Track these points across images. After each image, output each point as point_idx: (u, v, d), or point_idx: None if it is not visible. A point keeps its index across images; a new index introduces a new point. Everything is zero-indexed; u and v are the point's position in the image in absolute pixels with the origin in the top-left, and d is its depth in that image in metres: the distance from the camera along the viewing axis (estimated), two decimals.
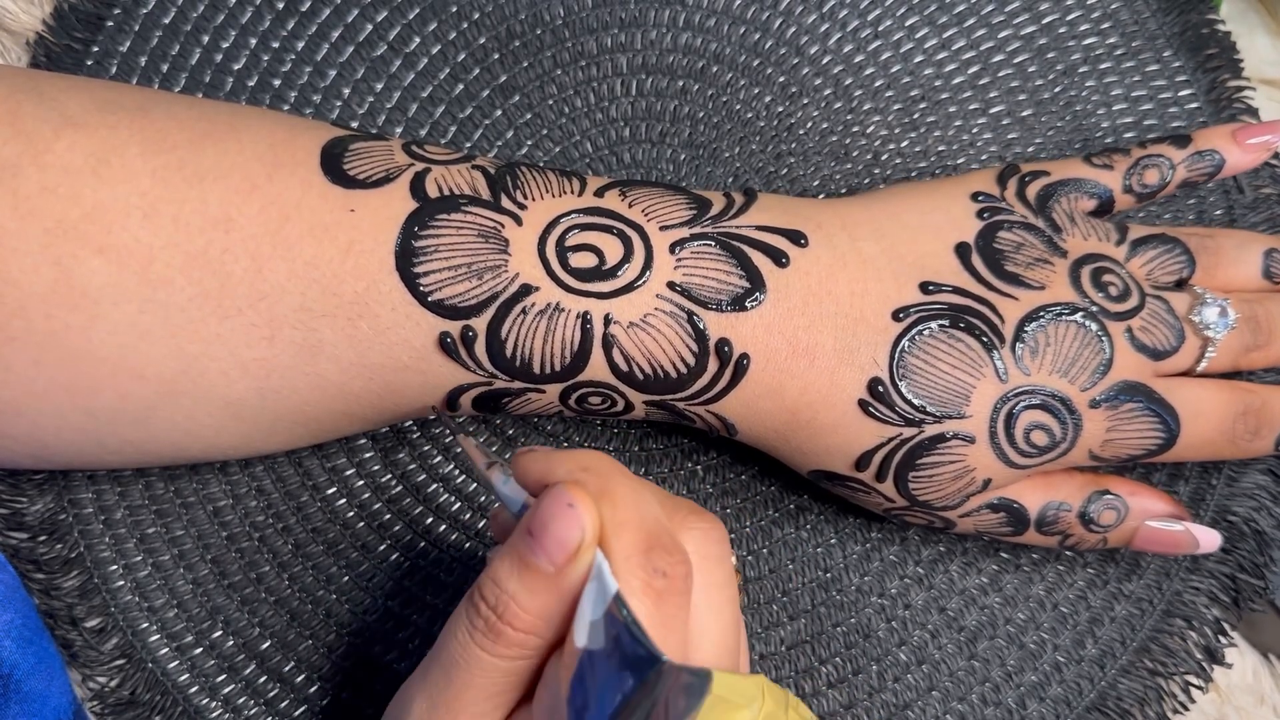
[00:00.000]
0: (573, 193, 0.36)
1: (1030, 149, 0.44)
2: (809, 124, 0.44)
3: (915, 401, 0.36)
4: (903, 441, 0.36)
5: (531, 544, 0.27)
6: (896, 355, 0.36)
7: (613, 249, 0.35)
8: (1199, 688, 0.42)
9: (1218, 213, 0.44)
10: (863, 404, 0.36)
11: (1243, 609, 0.42)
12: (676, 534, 0.29)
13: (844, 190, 0.44)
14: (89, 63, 0.42)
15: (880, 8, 0.45)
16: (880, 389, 0.35)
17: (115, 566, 0.40)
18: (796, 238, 0.36)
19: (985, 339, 0.36)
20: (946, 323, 0.36)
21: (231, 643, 0.40)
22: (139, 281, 0.32)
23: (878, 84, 0.45)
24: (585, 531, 0.27)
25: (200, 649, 0.40)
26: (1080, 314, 0.37)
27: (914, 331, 0.36)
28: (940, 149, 0.44)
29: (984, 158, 0.44)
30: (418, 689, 0.30)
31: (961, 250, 0.37)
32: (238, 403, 0.34)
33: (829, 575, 0.42)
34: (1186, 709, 0.42)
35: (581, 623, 0.26)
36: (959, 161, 0.44)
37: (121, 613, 0.40)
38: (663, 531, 0.28)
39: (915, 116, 0.44)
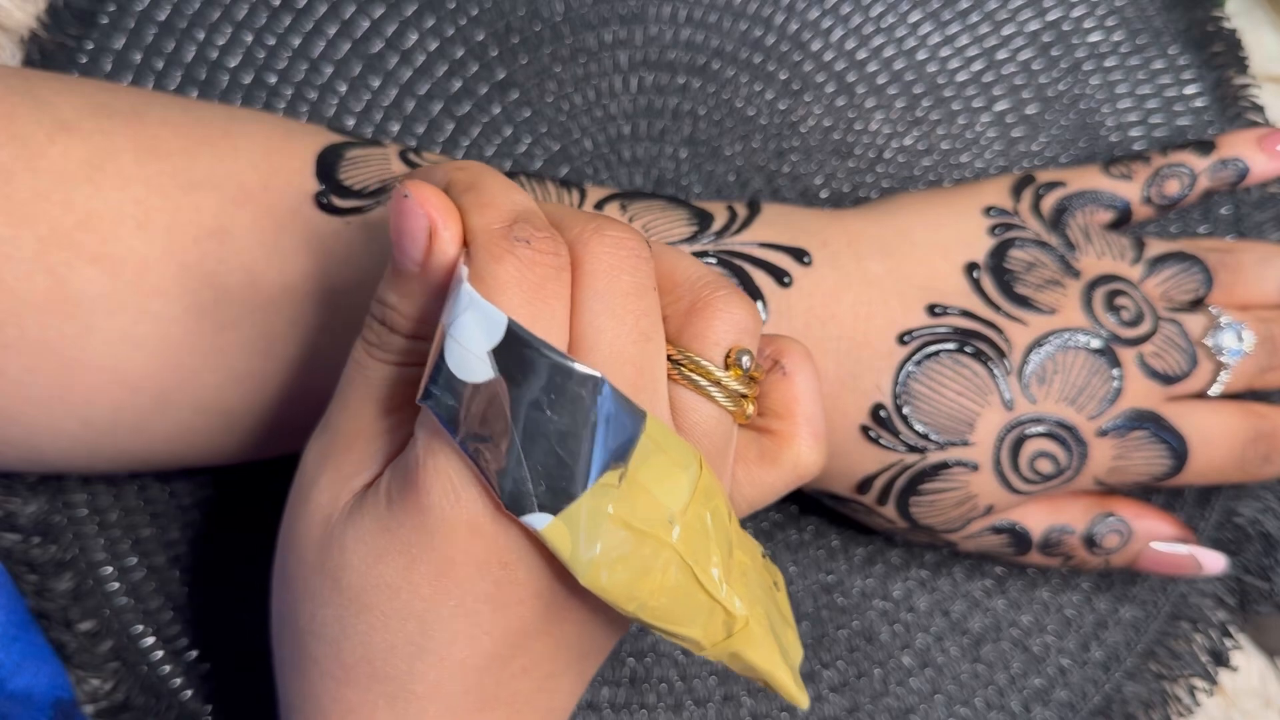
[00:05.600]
0: (572, 205, 0.35)
1: (1035, 146, 0.44)
2: (812, 121, 0.44)
3: (918, 428, 0.35)
4: (905, 467, 0.36)
5: (395, 252, 0.27)
6: (900, 381, 0.35)
7: None
8: (1204, 691, 0.41)
9: (1224, 210, 0.44)
10: (865, 429, 0.35)
11: (1249, 611, 0.42)
12: (588, 239, 0.27)
13: (847, 188, 0.43)
14: (83, 60, 0.42)
15: (884, 4, 0.44)
16: (883, 415, 0.35)
17: (109, 569, 0.40)
18: (800, 255, 0.36)
19: (992, 365, 0.35)
20: (953, 347, 0.35)
21: (227, 647, 0.40)
22: (133, 292, 0.31)
23: (881, 80, 0.44)
24: (431, 216, 0.26)
25: (195, 653, 0.40)
26: (1091, 340, 0.36)
27: (919, 356, 0.35)
28: (944, 146, 0.44)
29: (988, 154, 0.44)
30: (318, 430, 0.29)
31: (971, 270, 0.37)
32: (235, 413, 0.34)
33: (832, 578, 0.41)
34: (1192, 712, 0.41)
35: (447, 305, 0.25)
36: (963, 159, 0.44)
37: (115, 616, 0.40)
38: (534, 213, 0.27)
39: (919, 113, 0.44)
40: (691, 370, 0.27)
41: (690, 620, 0.26)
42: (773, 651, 0.27)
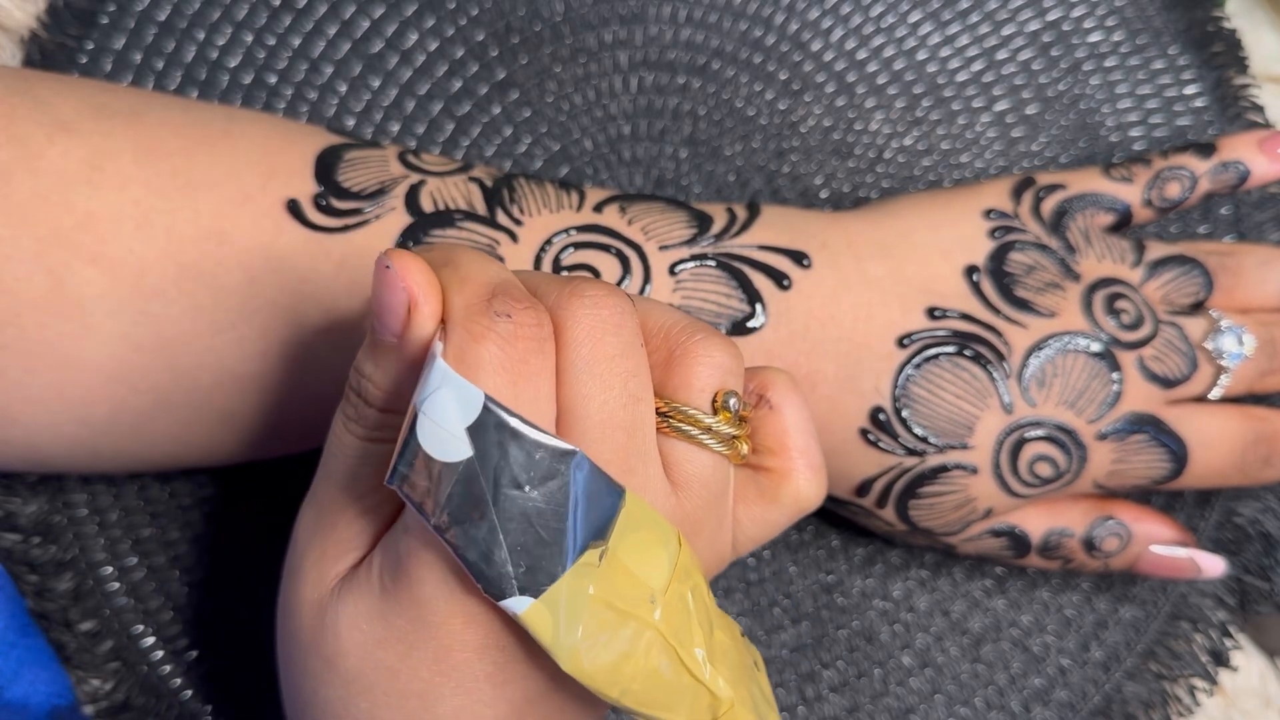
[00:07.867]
0: (571, 208, 0.35)
1: (1035, 146, 0.44)
2: (812, 121, 0.44)
3: (917, 431, 0.35)
4: (904, 470, 0.36)
5: (374, 322, 0.26)
6: (900, 383, 0.35)
7: (610, 269, 0.34)
8: (1205, 691, 0.41)
9: (1224, 210, 0.44)
10: (863, 432, 0.35)
11: (1249, 611, 0.42)
12: (566, 303, 0.26)
13: (847, 188, 0.43)
14: (83, 60, 0.42)
15: (884, 3, 0.44)
16: (882, 417, 0.35)
17: (109, 569, 0.40)
18: (799, 258, 0.36)
19: (991, 369, 0.35)
20: (952, 350, 0.35)
21: (228, 647, 0.40)
22: (132, 293, 0.31)
23: (881, 80, 0.44)
24: (411, 290, 0.25)
25: (195, 653, 0.40)
26: (1091, 344, 0.36)
27: (918, 359, 0.35)
28: (944, 146, 0.44)
29: (988, 154, 0.44)
30: (306, 501, 0.29)
31: (971, 273, 0.37)
32: (233, 415, 0.33)
33: (832, 578, 0.41)
34: (1192, 712, 0.41)
35: (420, 382, 0.25)
36: (963, 159, 0.44)
37: (116, 616, 0.40)
38: (512, 285, 0.26)
39: (919, 113, 0.44)
40: (681, 420, 0.27)
41: (674, 705, 0.25)
42: None
